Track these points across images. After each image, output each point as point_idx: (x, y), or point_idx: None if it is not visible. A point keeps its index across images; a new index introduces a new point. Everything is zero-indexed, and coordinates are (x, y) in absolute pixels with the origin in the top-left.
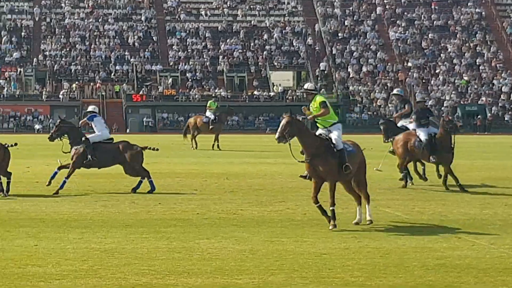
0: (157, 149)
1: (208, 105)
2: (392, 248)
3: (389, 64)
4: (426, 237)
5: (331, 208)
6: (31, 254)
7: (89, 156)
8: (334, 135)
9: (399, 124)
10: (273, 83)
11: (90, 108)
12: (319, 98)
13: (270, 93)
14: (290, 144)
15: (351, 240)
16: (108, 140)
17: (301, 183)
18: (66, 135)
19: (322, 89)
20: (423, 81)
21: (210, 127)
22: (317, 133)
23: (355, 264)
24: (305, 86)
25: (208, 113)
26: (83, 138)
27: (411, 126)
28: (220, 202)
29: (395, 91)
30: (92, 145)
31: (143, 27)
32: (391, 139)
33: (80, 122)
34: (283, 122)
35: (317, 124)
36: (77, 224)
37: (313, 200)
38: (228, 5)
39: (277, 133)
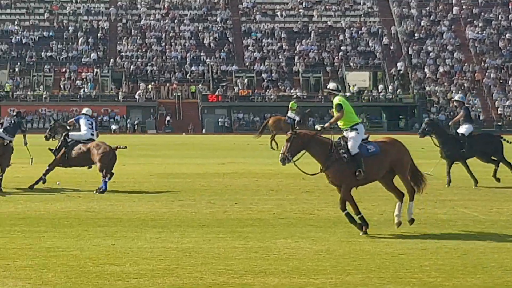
0: (125, 147)
1: (290, 105)
2: (470, 249)
3: (466, 64)
4: (504, 238)
5: (358, 216)
6: (108, 253)
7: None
8: (349, 140)
9: (458, 131)
10: (348, 84)
11: (84, 110)
12: (335, 100)
13: (346, 93)
14: (295, 162)
15: (428, 240)
16: (87, 141)
17: (378, 184)
18: (59, 135)
19: (345, 93)
20: (501, 81)
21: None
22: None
23: (433, 265)
24: (328, 86)
25: (290, 114)
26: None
27: (463, 130)
28: (296, 202)
29: (456, 97)
30: (69, 142)
31: (218, 28)
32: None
33: (68, 122)
34: (285, 142)
35: (339, 126)
36: (154, 223)
37: (340, 207)
38: (304, 6)
39: (280, 155)
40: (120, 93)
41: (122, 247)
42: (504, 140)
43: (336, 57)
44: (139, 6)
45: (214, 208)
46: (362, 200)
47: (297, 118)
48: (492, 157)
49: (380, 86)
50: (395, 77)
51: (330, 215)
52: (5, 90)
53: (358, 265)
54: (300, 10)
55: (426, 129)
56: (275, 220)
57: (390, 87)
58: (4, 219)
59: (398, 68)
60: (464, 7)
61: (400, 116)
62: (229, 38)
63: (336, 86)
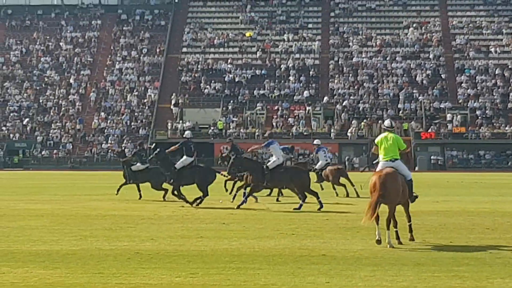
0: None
1: None
2: None
3: None
4: None
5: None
6: None
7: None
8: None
9: None
10: None
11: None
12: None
13: None
14: None
15: None
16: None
17: None
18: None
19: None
20: None
21: None
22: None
23: None
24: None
25: None
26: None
27: None
28: None
29: None
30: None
31: (431, 65)
32: None
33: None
34: None
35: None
36: (368, 261)
37: None
38: None
39: None
40: (332, 130)
41: (336, 285)
42: None
43: None
44: (351, 43)
45: (429, 246)
46: None
47: None
48: None
49: None
50: None
51: None
52: (218, 128)
53: None
54: None
55: None
56: (491, 259)
57: None
58: (220, 256)
59: None
60: None
61: None
62: (442, 75)
63: (389, 124)
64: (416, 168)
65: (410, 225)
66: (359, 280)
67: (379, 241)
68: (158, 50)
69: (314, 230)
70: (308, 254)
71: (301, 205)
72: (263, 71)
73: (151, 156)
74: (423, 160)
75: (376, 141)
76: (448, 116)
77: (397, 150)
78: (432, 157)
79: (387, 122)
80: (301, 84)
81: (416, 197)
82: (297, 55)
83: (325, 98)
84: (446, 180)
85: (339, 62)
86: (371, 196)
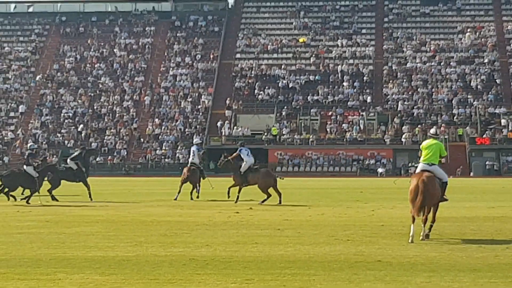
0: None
1: None
2: None
3: None
4: None
5: None
6: None
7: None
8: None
9: None
10: None
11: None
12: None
13: None
14: None
15: None
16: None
17: None
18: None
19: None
20: None
21: None
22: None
23: None
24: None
25: None
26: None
27: None
28: None
29: None
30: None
31: (486, 69)
32: None
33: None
34: None
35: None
36: (423, 267)
37: None
38: None
39: None
40: (386, 136)
41: None
42: None
43: None
44: (405, 49)
45: (485, 252)
46: None
47: None
48: None
49: None
50: None
51: None
52: (272, 134)
53: None
54: None
55: None
56: None
57: None
58: (275, 262)
59: None
60: None
61: None
62: (497, 80)
63: (435, 132)
64: (471, 174)
65: (431, 226)
66: (415, 286)
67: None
68: (211, 56)
69: (369, 236)
70: (364, 260)
71: (264, 200)
72: (316, 77)
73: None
74: (478, 166)
75: (421, 145)
76: (503, 121)
77: (438, 156)
78: (487, 163)
79: (432, 130)
80: (355, 90)
81: (446, 199)
82: (351, 61)
83: (378, 104)
84: (502, 186)
85: (393, 68)
86: (412, 197)
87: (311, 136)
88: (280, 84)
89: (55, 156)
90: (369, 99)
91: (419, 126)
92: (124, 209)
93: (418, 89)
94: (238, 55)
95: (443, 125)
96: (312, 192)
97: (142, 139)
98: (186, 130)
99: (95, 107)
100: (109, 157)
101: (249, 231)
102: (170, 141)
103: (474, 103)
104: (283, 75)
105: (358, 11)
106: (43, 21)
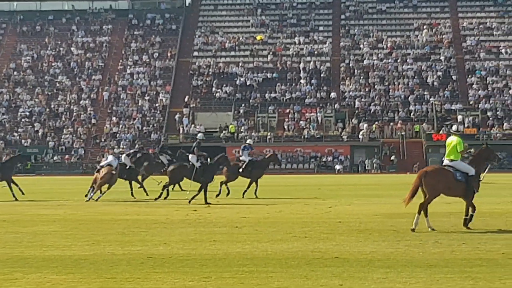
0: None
1: None
2: None
3: None
4: None
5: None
6: None
7: None
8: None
9: None
10: None
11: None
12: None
13: None
14: None
15: None
16: None
17: None
18: None
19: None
20: None
21: None
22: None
23: None
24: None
25: None
26: None
27: None
28: None
29: None
30: None
31: (442, 66)
32: None
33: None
34: None
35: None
36: (380, 263)
37: None
38: None
39: None
40: (343, 133)
41: (350, 287)
42: None
43: None
44: (362, 46)
45: (441, 248)
46: None
47: None
48: None
49: None
50: None
51: None
52: (230, 131)
53: None
54: None
55: None
56: (504, 260)
57: None
58: (233, 259)
59: None
60: None
61: None
62: (453, 77)
63: (456, 128)
64: None
65: (472, 216)
66: (372, 282)
67: (413, 230)
68: (169, 54)
69: (327, 232)
70: (321, 256)
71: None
72: (274, 74)
73: None
74: (435, 162)
75: (446, 143)
76: (459, 118)
77: (457, 151)
78: (443, 159)
79: (454, 127)
80: (312, 87)
81: (475, 192)
82: (308, 58)
83: (335, 101)
84: None
85: (350, 65)
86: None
87: (268, 134)
88: (237, 82)
89: (12, 155)
90: (326, 96)
91: (376, 123)
92: (81, 208)
93: (375, 86)
94: (195, 53)
95: (399, 121)
96: (270, 189)
97: (99, 138)
98: (144, 128)
99: (52, 106)
100: (67, 156)
101: (206, 229)
102: (128, 140)
103: (430, 99)
104: (240, 73)
105: (315, 9)
106: None
